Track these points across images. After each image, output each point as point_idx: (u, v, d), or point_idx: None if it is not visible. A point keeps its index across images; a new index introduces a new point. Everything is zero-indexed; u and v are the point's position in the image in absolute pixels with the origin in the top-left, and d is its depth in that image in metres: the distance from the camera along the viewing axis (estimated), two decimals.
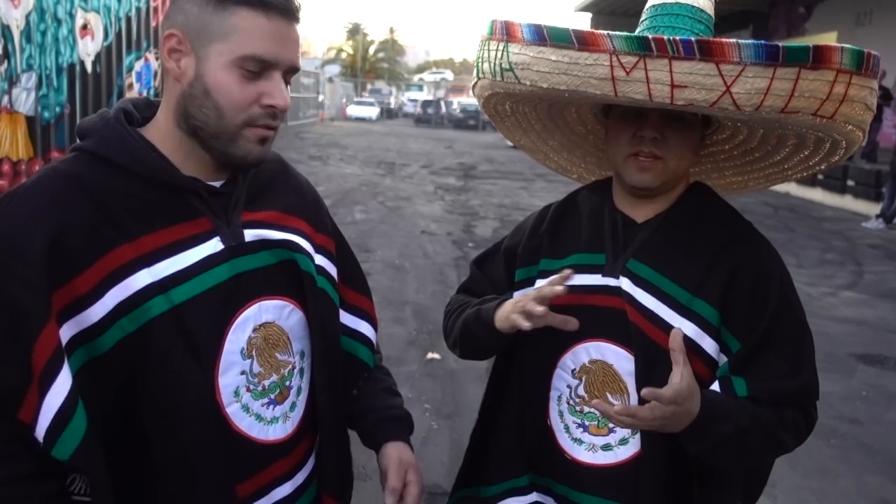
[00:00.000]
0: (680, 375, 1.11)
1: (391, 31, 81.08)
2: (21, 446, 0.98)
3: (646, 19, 1.24)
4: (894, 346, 5.47)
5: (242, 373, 1.12)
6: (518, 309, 1.22)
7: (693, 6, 1.20)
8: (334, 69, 59.80)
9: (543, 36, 1.06)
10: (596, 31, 1.03)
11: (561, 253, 1.35)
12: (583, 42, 1.03)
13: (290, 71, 1.10)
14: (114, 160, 1.07)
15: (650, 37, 0.99)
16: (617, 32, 1.02)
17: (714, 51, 0.97)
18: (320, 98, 35.98)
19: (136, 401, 1.04)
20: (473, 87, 1.31)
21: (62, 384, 0.97)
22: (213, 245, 1.10)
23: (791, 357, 1.22)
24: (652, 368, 1.20)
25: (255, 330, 1.14)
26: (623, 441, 1.28)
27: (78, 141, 1.12)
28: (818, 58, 0.97)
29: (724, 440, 1.15)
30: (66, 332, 1.00)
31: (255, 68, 1.05)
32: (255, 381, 1.14)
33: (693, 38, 0.98)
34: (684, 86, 0.99)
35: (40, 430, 0.96)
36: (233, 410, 1.11)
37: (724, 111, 1.03)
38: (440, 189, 12.85)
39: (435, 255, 7.63)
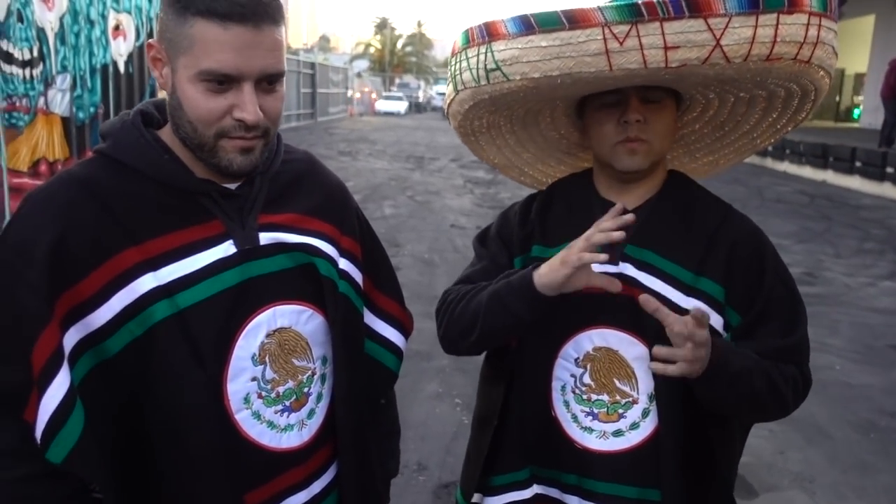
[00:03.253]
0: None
1: (419, 24, 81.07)
2: (37, 445, 0.98)
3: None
4: None
5: (253, 379, 1.10)
6: (572, 261, 1.16)
7: None
8: (363, 64, 60.00)
9: (531, 24, 1.06)
10: (585, 8, 1.04)
11: (552, 241, 1.35)
12: (573, 20, 1.04)
13: (267, 78, 1.02)
14: (127, 163, 1.07)
15: (640, 2, 1.01)
16: (606, 4, 1.03)
17: (701, 6, 1.01)
18: (349, 93, 36.15)
19: (143, 406, 1.04)
20: (449, 104, 1.30)
21: (58, 387, 0.96)
22: (225, 248, 1.08)
23: (785, 322, 1.28)
24: None
25: (268, 335, 1.12)
26: (634, 426, 1.29)
27: (100, 143, 1.12)
28: (792, 1, 1.04)
29: (736, 372, 1.17)
30: (73, 336, 1.00)
31: (219, 81, 0.99)
32: (267, 388, 1.12)
33: None
34: (677, 46, 1.02)
35: (38, 433, 0.96)
36: (242, 417, 1.09)
37: (713, 67, 1.06)
38: (469, 182, 12.83)
39: (464, 248, 7.62)
